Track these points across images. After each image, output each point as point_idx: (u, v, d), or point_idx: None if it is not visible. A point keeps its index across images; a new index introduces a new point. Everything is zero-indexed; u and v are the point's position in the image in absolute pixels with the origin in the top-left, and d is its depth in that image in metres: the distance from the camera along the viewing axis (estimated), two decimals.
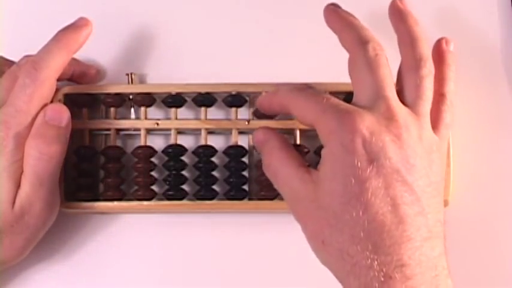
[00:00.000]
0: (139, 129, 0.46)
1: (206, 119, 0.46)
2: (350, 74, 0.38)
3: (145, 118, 0.46)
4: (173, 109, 0.46)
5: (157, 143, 0.47)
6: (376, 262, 0.33)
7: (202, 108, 0.46)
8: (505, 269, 0.45)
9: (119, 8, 0.49)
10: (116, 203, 0.45)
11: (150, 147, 0.46)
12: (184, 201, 0.45)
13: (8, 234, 0.41)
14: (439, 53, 0.41)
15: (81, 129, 0.46)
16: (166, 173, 0.46)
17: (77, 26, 0.44)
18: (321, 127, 0.36)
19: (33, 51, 0.42)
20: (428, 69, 0.38)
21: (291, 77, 0.46)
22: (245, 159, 0.46)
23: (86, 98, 0.46)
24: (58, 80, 0.45)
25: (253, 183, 0.46)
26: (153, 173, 0.46)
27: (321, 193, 0.35)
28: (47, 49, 0.42)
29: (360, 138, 0.34)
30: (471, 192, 0.46)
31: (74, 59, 0.46)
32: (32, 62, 0.41)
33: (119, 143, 0.47)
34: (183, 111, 0.47)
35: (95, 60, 0.48)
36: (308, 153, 0.45)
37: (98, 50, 0.48)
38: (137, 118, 0.46)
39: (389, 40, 0.40)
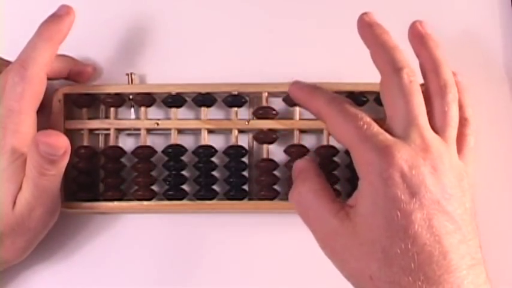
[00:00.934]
0: (139, 129, 0.46)
1: (206, 119, 0.46)
2: (383, 97, 0.39)
3: (145, 118, 0.46)
4: (173, 109, 0.46)
5: (157, 143, 0.47)
6: None
7: (202, 108, 0.46)
8: (505, 269, 0.45)
9: (119, 7, 0.49)
10: (116, 203, 0.45)
11: (150, 147, 0.46)
12: (184, 201, 0.45)
13: (9, 236, 0.41)
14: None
15: (81, 129, 0.46)
16: (166, 173, 0.46)
17: (58, 16, 0.43)
18: (358, 156, 0.36)
19: None
20: (454, 95, 0.39)
21: (291, 77, 0.46)
22: (245, 159, 0.46)
23: (85, 97, 0.46)
24: (55, 78, 0.45)
25: (253, 183, 0.46)
26: (153, 173, 0.46)
27: (363, 228, 0.35)
28: (31, 45, 0.42)
29: (400, 172, 0.35)
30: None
31: (70, 58, 0.46)
32: (19, 60, 0.41)
33: (119, 143, 0.47)
34: (183, 111, 0.47)
35: (95, 60, 0.48)
36: (308, 152, 0.45)
37: (98, 49, 0.48)
38: (137, 118, 0.46)
39: None
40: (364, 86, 0.45)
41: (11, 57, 0.43)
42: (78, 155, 0.45)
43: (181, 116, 0.46)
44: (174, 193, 0.45)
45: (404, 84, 0.37)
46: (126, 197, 0.46)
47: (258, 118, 0.46)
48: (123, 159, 0.46)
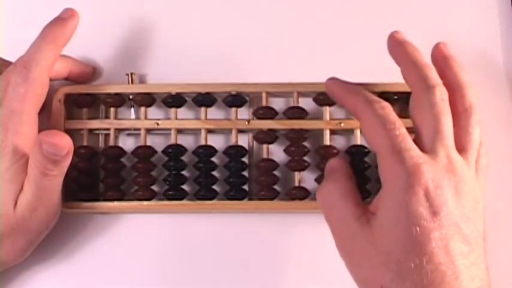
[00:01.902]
0: (139, 129, 0.46)
1: (206, 119, 0.46)
2: (413, 112, 0.39)
3: (145, 118, 0.46)
4: (173, 109, 0.46)
5: (157, 143, 0.47)
6: None
7: (202, 108, 0.46)
8: (505, 269, 0.45)
9: (119, 8, 0.49)
10: (116, 203, 0.45)
11: (150, 147, 0.46)
12: (184, 201, 0.45)
13: (9, 236, 0.41)
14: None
15: (81, 129, 0.46)
16: (166, 173, 0.46)
17: (62, 19, 0.43)
18: (386, 165, 0.37)
19: None
20: (478, 117, 0.39)
21: (291, 77, 0.46)
22: (245, 159, 0.46)
23: (86, 98, 0.46)
24: (55, 79, 0.45)
25: (253, 183, 0.46)
26: (153, 173, 0.46)
27: (382, 238, 0.36)
28: (35, 47, 0.42)
29: (425, 190, 0.35)
30: None
31: (70, 58, 0.46)
32: (22, 61, 0.41)
33: (119, 143, 0.47)
34: (183, 111, 0.47)
35: (95, 60, 0.48)
36: (308, 152, 0.45)
37: (98, 50, 0.48)
38: (137, 118, 0.46)
39: None
40: (364, 86, 0.45)
41: (11, 58, 0.43)
42: (78, 155, 0.45)
43: (181, 116, 0.46)
44: (174, 193, 0.45)
45: (436, 101, 0.38)
46: (126, 197, 0.46)
47: (258, 118, 0.46)
48: (123, 159, 0.46)
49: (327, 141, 0.45)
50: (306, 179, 0.46)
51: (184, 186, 0.46)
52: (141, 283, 0.46)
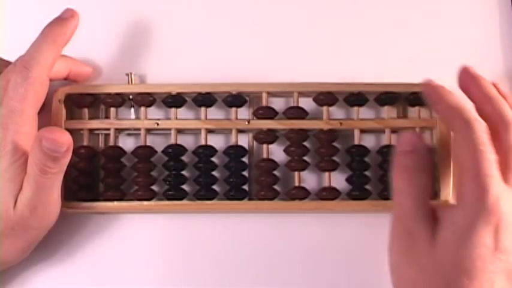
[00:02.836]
0: (139, 129, 0.46)
1: (206, 119, 0.46)
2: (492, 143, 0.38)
3: (145, 118, 0.46)
4: (173, 109, 0.46)
5: (157, 143, 0.47)
6: None
7: (202, 108, 0.46)
8: None
9: (119, 7, 0.49)
10: (116, 203, 0.45)
11: (150, 147, 0.46)
12: (184, 201, 0.45)
13: (9, 236, 0.41)
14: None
15: (81, 129, 0.46)
16: (166, 173, 0.46)
17: (63, 19, 0.43)
18: (467, 185, 0.37)
19: None
20: None
21: (291, 77, 0.46)
22: (245, 159, 0.46)
23: (86, 98, 0.46)
24: (54, 79, 0.45)
25: (253, 183, 0.46)
26: (153, 173, 0.46)
27: (440, 251, 0.36)
28: (35, 46, 0.42)
29: (495, 224, 0.36)
30: None
31: (69, 58, 0.46)
32: (22, 61, 0.41)
33: (119, 143, 0.47)
34: (183, 111, 0.47)
35: (95, 60, 0.48)
36: (308, 152, 0.45)
37: (98, 50, 0.48)
38: (137, 118, 0.46)
39: None
40: (364, 86, 0.45)
41: (11, 58, 0.43)
42: (78, 155, 0.45)
43: (181, 116, 0.46)
44: (174, 193, 0.45)
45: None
46: (126, 197, 0.46)
47: (258, 118, 0.46)
48: (123, 159, 0.46)
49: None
50: (306, 179, 0.46)
51: (184, 186, 0.46)
52: (141, 283, 0.46)
